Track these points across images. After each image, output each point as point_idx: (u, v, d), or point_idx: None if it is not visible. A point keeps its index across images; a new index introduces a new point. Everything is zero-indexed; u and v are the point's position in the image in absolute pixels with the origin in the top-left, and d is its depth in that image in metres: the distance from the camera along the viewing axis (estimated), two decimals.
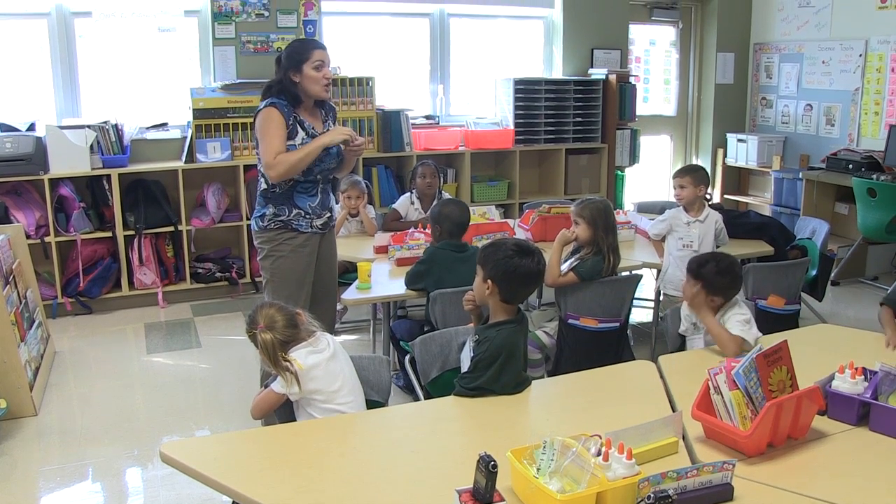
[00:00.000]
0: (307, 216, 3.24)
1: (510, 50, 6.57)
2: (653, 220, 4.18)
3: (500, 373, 2.30)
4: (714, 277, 2.70)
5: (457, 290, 3.01)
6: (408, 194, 4.70)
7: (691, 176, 3.87)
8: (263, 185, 3.22)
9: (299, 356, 2.31)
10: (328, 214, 3.34)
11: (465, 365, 2.42)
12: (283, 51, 3.22)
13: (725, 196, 7.07)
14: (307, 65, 3.11)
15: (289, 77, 3.13)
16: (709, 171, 7.18)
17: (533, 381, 2.41)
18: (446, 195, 4.77)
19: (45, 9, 5.15)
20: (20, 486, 3.01)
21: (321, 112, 3.31)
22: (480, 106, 6.45)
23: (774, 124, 6.97)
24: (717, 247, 3.88)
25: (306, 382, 2.28)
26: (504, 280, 2.36)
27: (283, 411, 2.38)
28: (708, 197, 4.06)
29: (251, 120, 5.14)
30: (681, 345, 3.01)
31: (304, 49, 3.14)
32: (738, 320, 2.67)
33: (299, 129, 3.16)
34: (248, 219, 5.37)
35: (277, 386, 2.30)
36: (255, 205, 3.30)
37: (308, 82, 3.13)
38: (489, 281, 2.37)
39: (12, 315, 3.62)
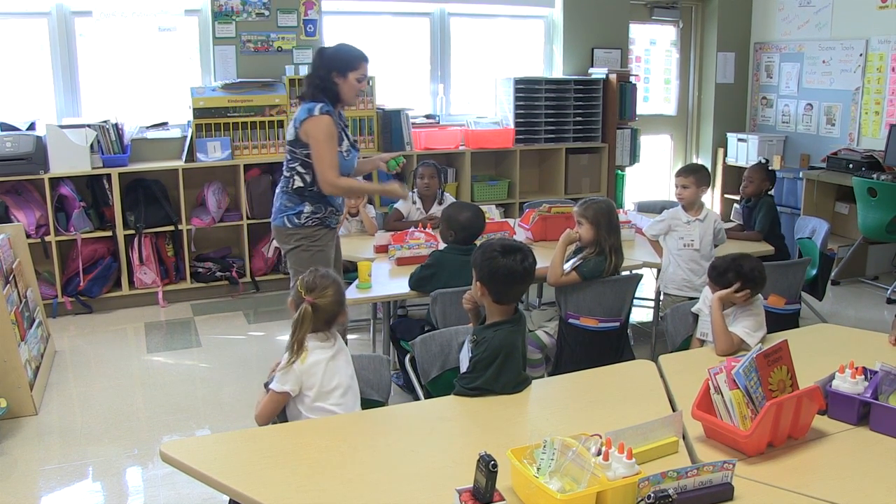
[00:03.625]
0: (336, 213, 3.48)
1: (510, 49, 6.57)
2: (653, 219, 4.17)
3: (500, 373, 2.30)
4: (753, 274, 2.77)
5: (457, 289, 3.01)
6: (410, 194, 4.69)
7: (695, 176, 3.86)
8: (299, 184, 3.34)
9: (310, 347, 2.31)
10: (340, 212, 3.59)
11: (464, 365, 2.42)
12: (328, 48, 3.39)
13: (725, 196, 7.08)
14: (353, 73, 3.31)
15: (331, 78, 3.29)
16: (709, 170, 7.20)
17: (533, 381, 2.41)
18: (448, 196, 4.76)
19: (46, 8, 5.15)
20: (20, 485, 3.01)
21: (342, 116, 3.49)
22: (481, 105, 6.45)
23: (775, 124, 6.96)
24: (715, 246, 3.87)
25: (304, 377, 2.28)
26: (491, 281, 2.36)
27: (285, 412, 2.38)
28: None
29: (253, 118, 5.26)
30: (681, 344, 3.01)
31: (356, 59, 3.33)
32: (748, 323, 2.70)
33: (344, 137, 3.37)
34: (248, 218, 5.38)
35: (276, 385, 2.29)
36: (283, 202, 3.40)
37: (347, 89, 3.33)
38: (479, 283, 2.39)
39: (12, 314, 3.62)
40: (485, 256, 2.38)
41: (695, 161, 7.24)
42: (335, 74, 3.29)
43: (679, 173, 3.95)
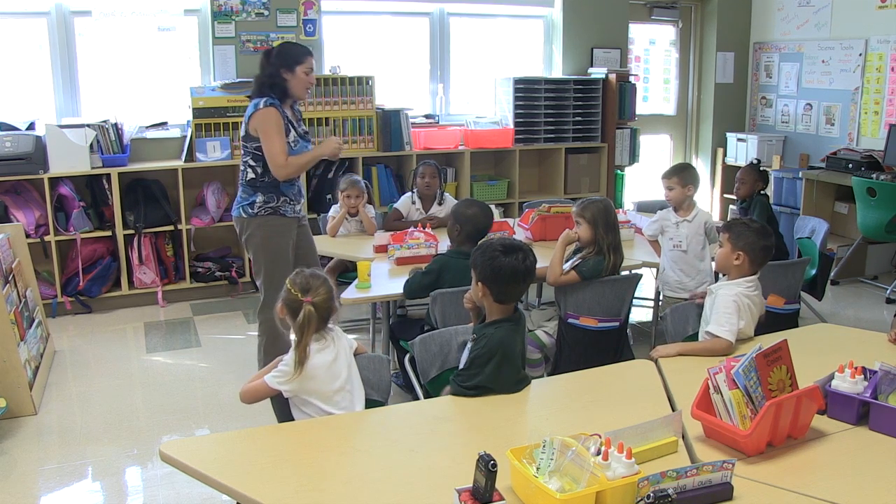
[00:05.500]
0: (290, 202, 3.57)
1: (510, 49, 6.57)
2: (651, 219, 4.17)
3: (497, 371, 2.30)
4: (742, 229, 2.75)
5: (457, 289, 3.01)
6: (409, 194, 4.69)
7: (678, 176, 3.84)
8: (251, 175, 3.50)
9: (311, 351, 2.29)
10: (302, 201, 3.70)
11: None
12: (275, 48, 3.57)
13: (725, 196, 7.08)
14: (300, 68, 3.46)
15: (280, 74, 3.45)
16: (708, 170, 7.21)
17: (532, 381, 2.41)
18: (447, 196, 4.76)
19: (45, 8, 5.15)
20: (19, 485, 3.01)
21: (295, 110, 3.64)
22: (480, 105, 6.45)
23: (774, 124, 6.97)
24: (712, 243, 3.86)
25: (306, 381, 2.27)
26: (492, 281, 2.36)
27: (284, 411, 2.38)
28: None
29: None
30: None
31: (300, 53, 3.50)
32: (725, 314, 2.65)
33: (291, 128, 3.49)
34: None
35: (272, 380, 2.28)
36: (240, 193, 3.57)
37: (296, 83, 3.48)
38: (480, 283, 2.39)
39: (12, 314, 3.62)
40: (486, 256, 2.38)
41: (694, 161, 7.25)
42: (283, 71, 3.45)
43: (664, 176, 3.91)
